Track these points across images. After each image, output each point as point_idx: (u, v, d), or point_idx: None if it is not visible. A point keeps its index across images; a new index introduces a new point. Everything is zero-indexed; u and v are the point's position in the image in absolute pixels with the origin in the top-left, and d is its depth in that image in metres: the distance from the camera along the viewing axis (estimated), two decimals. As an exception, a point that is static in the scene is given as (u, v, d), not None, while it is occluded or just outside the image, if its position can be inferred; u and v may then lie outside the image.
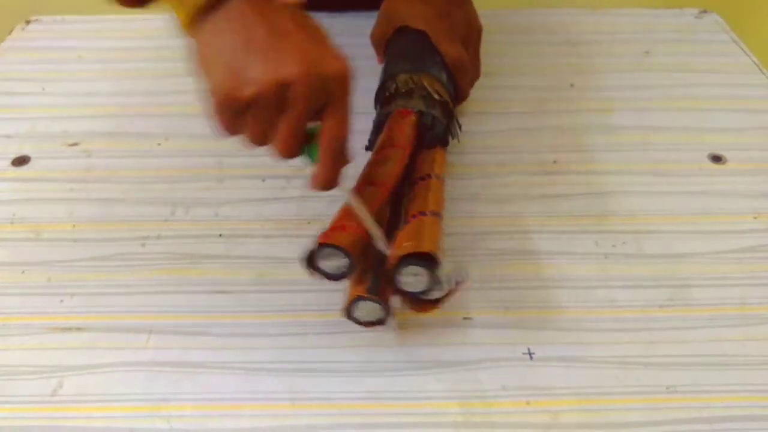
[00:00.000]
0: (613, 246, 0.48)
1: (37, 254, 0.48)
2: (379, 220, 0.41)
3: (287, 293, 0.45)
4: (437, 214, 0.42)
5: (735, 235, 0.49)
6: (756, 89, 0.63)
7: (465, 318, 0.43)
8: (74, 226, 0.50)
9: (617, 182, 0.53)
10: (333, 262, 0.39)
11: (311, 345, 0.42)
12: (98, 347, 0.42)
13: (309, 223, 0.50)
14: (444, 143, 0.50)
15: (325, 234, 0.39)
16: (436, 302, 0.40)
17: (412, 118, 0.49)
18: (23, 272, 0.46)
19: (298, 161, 0.37)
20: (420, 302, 0.40)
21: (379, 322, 0.41)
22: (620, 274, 0.46)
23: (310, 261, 0.39)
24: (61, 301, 0.45)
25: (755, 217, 0.50)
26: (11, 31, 0.71)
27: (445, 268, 0.38)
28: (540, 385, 0.40)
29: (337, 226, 0.40)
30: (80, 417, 0.38)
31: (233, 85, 0.33)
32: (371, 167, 0.45)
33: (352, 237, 0.39)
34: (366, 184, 0.43)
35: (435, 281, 0.38)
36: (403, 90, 0.50)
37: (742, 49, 0.68)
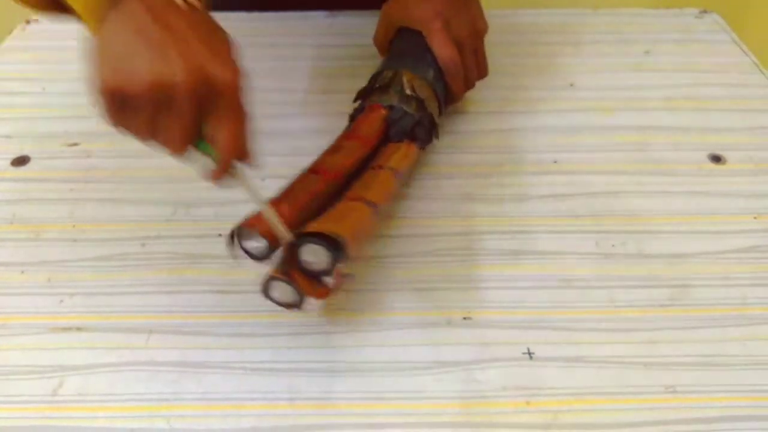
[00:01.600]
0: (613, 246, 0.48)
1: (37, 254, 0.48)
2: (313, 207, 0.42)
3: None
4: (372, 204, 0.43)
5: (735, 235, 0.49)
6: (756, 89, 0.63)
7: (465, 318, 0.43)
8: (74, 226, 0.50)
9: (617, 182, 0.53)
10: (253, 243, 0.41)
11: (311, 345, 0.42)
12: (98, 347, 0.42)
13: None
14: (411, 138, 0.50)
15: (248, 219, 0.41)
16: (327, 288, 0.41)
17: (382, 112, 0.50)
18: (23, 272, 0.46)
19: (190, 156, 0.37)
20: (313, 284, 0.40)
21: (295, 305, 0.41)
22: (620, 274, 0.46)
23: (235, 241, 0.41)
24: (61, 301, 0.45)
25: (755, 218, 0.50)
26: (11, 31, 0.71)
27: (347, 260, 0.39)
28: (540, 385, 0.40)
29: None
30: (80, 417, 0.38)
31: (117, 78, 0.34)
32: (322, 156, 0.47)
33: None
34: (310, 171, 0.45)
35: (331, 264, 0.39)
36: (379, 85, 0.52)
37: (742, 49, 0.68)
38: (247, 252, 0.41)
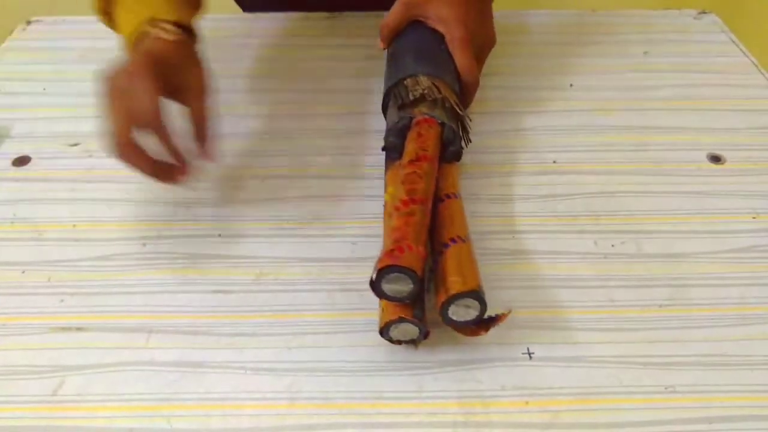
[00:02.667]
0: (612, 246, 0.48)
1: (38, 254, 0.48)
2: (424, 239, 0.40)
3: (287, 293, 0.45)
4: (466, 240, 0.42)
5: (734, 235, 0.49)
6: (755, 89, 0.63)
7: (465, 318, 0.43)
8: (75, 226, 0.50)
9: (616, 182, 0.53)
10: (397, 286, 0.38)
11: (311, 345, 0.42)
12: (99, 347, 0.42)
13: (309, 223, 0.50)
14: (459, 158, 0.48)
15: (388, 254, 0.38)
16: (486, 325, 0.41)
17: (438, 129, 0.47)
18: (24, 272, 0.47)
19: None
20: (469, 328, 0.41)
21: (412, 342, 0.41)
22: (619, 274, 0.46)
23: (376, 283, 0.38)
24: (62, 300, 0.45)
25: (754, 217, 0.50)
26: (12, 31, 0.71)
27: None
28: (539, 384, 0.40)
29: (398, 247, 0.38)
30: (81, 417, 0.39)
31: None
32: (415, 182, 0.42)
33: (416, 258, 0.38)
34: (413, 202, 0.41)
35: (483, 311, 0.39)
36: (430, 98, 0.48)
37: (741, 50, 0.68)
38: (386, 296, 0.39)
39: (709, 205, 0.51)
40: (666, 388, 0.40)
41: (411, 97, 0.48)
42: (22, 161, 0.55)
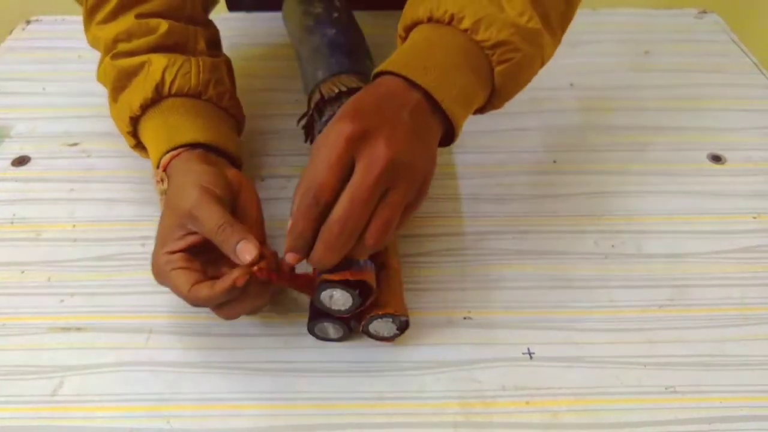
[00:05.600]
0: (613, 246, 0.48)
1: (37, 254, 0.48)
2: None
3: (287, 293, 0.45)
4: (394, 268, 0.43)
5: (734, 235, 0.49)
6: (755, 89, 0.63)
7: (465, 318, 0.43)
8: (74, 226, 0.50)
9: (616, 182, 0.53)
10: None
11: (310, 345, 0.42)
12: (98, 347, 0.42)
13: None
14: None
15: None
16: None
17: None
18: (23, 272, 0.46)
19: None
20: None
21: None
22: (620, 274, 0.46)
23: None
24: (61, 300, 0.45)
25: (755, 217, 0.50)
26: (12, 31, 0.71)
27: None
28: (539, 384, 0.40)
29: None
30: (80, 417, 0.39)
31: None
32: None
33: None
34: None
35: (402, 327, 0.41)
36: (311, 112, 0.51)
37: (742, 50, 0.68)
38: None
39: (710, 205, 0.51)
40: (666, 388, 0.40)
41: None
42: (21, 161, 0.55)
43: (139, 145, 0.48)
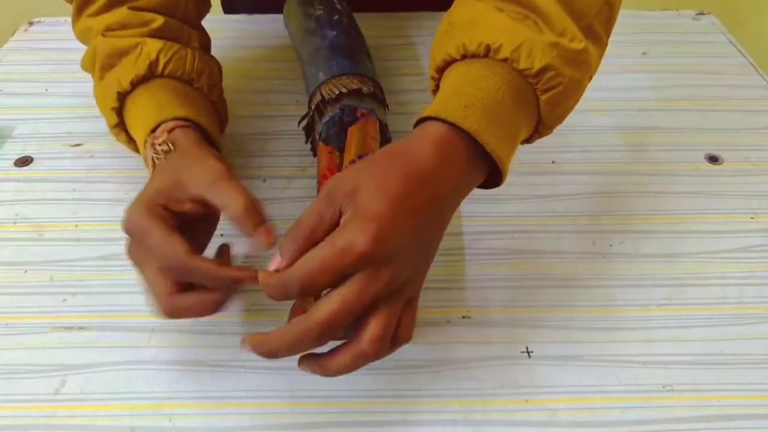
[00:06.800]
0: (611, 246, 0.48)
1: (40, 254, 0.48)
2: None
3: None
4: None
5: (732, 234, 0.49)
6: (752, 90, 0.63)
7: (464, 317, 0.44)
8: (77, 225, 0.50)
9: (615, 182, 0.53)
10: None
11: (312, 344, 0.42)
12: (101, 346, 0.42)
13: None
14: (346, 126, 0.49)
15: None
16: None
17: (322, 146, 0.49)
18: (26, 272, 0.47)
19: None
20: None
21: None
22: (618, 274, 0.46)
23: None
24: (64, 300, 0.45)
25: (752, 217, 0.51)
26: (14, 32, 0.71)
27: None
28: (538, 383, 0.40)
29: None
30: (83, 415, 0.39)
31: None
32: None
33: None
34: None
35: None
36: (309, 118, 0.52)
37: (739, 51, 0.68)
38: None
39: (707, 205, 0.52)
40: (664, 387, 0.40)
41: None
42: (24, 161, 0.55)
43: (119, 126, 0.46)
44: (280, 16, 0.66)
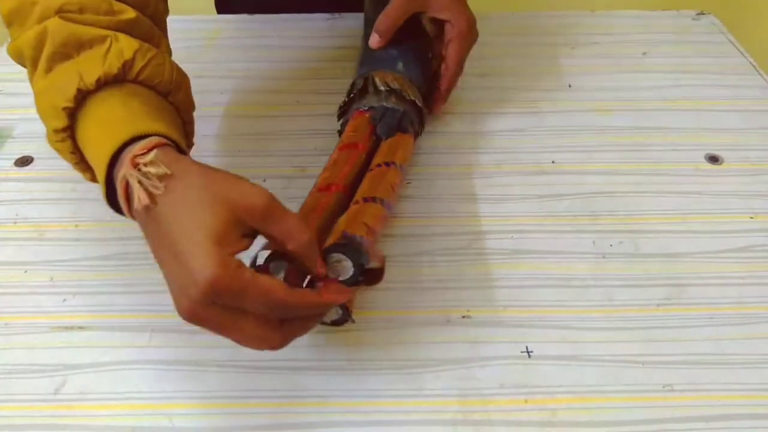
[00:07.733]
0: (611, 246, 0.48)
1: (40, 254, 0.48)
2: (328, 223, 0.42)
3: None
4: (379, 200, 0.44)
5: (732, 234, 0.49)
6: (752, 90, 0.63)
7: (464, 316, 0.44)
8: (77, 225, 0.50)
9: (615, 182, 0.53)
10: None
11: (311, 343, 0.42)
12: (101, 346, 0.42)
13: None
14: (401, 130, 0.51)
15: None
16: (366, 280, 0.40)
17: (365, 116, 0.51)
18: (26, 272, 0.47)
19: None
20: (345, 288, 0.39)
21: (339, 323, 0.41)
22: (617, 274, 0.46)
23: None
24: (64, 300, 0.45)
25: (752, 217, 0.51)
26: (13, 32, 0.71)
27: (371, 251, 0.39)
28: (538, 383, 0.40)
29: None
30: (83, 415, 0.39)
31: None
32: (320, 174, 0.46)
33: None
34: (314, 191, 0.44)
35: (358, 261, 0.38)
36: (354, 93, 0.53)
37: (739, 51, 0.68)
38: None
39: (707, 205, 0.52)
40: (664, 387, 0.40)
41: (346, 105, 0.53)
42: (24, 161, 0.55)
43: (67, 131, 0.38)
44: (280, 16, 0.66)
